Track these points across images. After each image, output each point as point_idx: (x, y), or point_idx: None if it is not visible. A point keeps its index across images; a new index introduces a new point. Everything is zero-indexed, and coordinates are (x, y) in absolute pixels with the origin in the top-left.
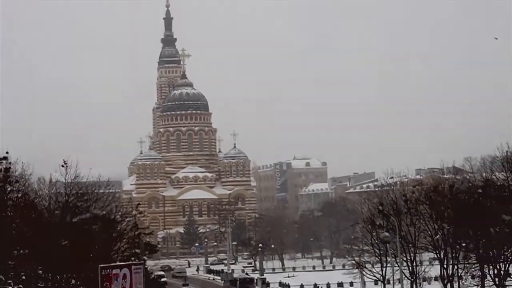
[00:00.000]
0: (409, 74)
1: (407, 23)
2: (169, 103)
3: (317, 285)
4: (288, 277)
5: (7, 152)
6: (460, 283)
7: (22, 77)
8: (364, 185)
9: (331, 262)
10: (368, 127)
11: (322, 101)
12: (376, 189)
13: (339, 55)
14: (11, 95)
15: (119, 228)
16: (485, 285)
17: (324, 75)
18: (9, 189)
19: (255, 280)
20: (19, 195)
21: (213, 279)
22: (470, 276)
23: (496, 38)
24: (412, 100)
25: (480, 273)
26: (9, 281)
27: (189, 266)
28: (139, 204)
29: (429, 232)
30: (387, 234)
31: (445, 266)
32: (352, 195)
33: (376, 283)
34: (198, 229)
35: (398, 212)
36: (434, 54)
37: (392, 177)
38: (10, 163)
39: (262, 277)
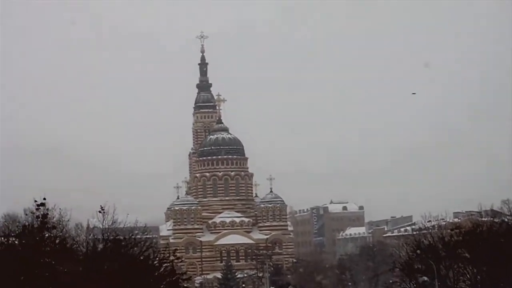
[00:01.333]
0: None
1: None
2: (205, 148)
3: None
4: None
5: (44, 199)
6: None
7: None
8: (402, 229)
9: None
10: (405, 170)
11: (358, 145)
12: (414, 232)
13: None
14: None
15: (157, 273)
16: None
17: (358, 118)
18: (46, 235)
19: None
20: (57, 241)
21: None
22: None
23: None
24: (449, 143)
25: None
26: None
27: None
28: (176, 249)
29: (468, 276)
30: (425, 278)
31: None
32: (390, 239)
33: None
34: (236, 274)
35: (436, 256)
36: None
37: (430, 221)
38: (47, 209)
39: None
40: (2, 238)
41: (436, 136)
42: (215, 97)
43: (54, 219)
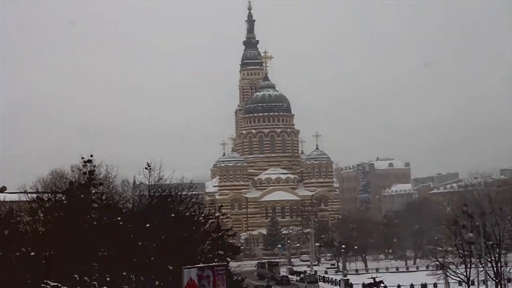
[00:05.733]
0: (492, 73)
1: None
2: (251, 105)
3: (400, 286)
4: (372, 278)
5: (91, 155)
6: None
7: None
8: (448, 186)
9: (414, 263)
10: (452, 127)
11: (404, 103)
12: (460, 189)
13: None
14: (98, 98)
15: (202, 229)
16: None
17: (402, 76)
18: (93, 191)
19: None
20: (104, 197)
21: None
22: None
23: None
24: (496, 99)
25: None
26: (93, 283)
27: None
28: (222, 205)
29: None
30: (471, 234)
31: None
32: (436, 196)
33: (460, 284)
34: (281, 230)
35: (482, 213)
36: None
37: (476, 178)
38: (94, 166)
39: (345, 278)
40: (49, 194)
41: (483, 92)
42: (262, 54)
43: (101, 175)
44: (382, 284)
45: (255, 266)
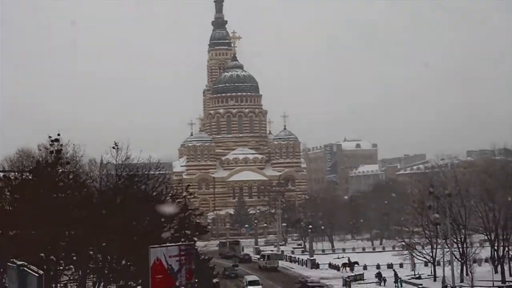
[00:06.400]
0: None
1: None
2: (219, 85)
3: (367, 266)
4: (338, 258)
5: (58, 134)
6: (511, 264)
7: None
8: (415, 167)
9: (381, 244)
10: (418, 109)
11: (372, 83)
12: (427, 170)
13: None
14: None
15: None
16: None
17: (376, 57)
18: (60, 170)
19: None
20: (71, 176)
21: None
22: None
23: None
24: (462, 80)
25: None
26: (60, 261)
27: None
28: (189, 185)
29: (480, 214)
30: (437, 215)
31: (496, 247)
32: (403, 177)
33: (426, 265)
34: (248, 210)
35: (448, 194)
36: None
37: (443, 159)
38: (61, 145)
39: (312, 258)
40: (16, 173)
41: (447, 73)
42: (230, 34)
43: (68, 154)
44: (356, 265)
45: (217, 246)
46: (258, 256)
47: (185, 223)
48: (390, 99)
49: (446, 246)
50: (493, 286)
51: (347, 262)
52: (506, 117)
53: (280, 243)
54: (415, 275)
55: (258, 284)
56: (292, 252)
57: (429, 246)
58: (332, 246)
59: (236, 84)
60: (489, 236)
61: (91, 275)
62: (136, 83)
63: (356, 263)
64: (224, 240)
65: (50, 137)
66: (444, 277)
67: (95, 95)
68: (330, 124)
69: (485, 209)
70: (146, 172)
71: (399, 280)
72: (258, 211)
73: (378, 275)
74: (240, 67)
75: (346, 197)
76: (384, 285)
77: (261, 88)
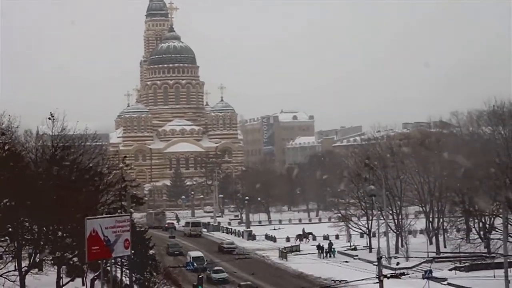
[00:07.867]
0: (394, 27)
1: None
2: (156, 56)
3: (303, 238)
4: (274, 229)
5: None
6: (445, 236)
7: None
8: (351, 139)
9: (317, 215)
10: (355, 81)
11: (310, 55)
12: (363, 142)
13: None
14: None
15: (105, 180)
16: (470, 238)
17: (314, 28)
18: None
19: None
20: (6, 147)
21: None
22: (455, 230)
23: None
24: (399, 54)
25: (465, 226)
26: None
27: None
28: (125, 157)
29: (415, 186)
30: (373, 187)
31: (430, 219)
32: (339, 149)
33: (362, 236)
34: (185, 182)
35: (384, 166)
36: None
37: (379, 131)
38: None
39: (248, 229)
40: None
41: (390, 47)
42: (168, 5)
43: (3, 125)
44: (310, 235)
45: (144, 217)
46: (183, 224)
47: (121, 194)
48: (326, 71)
49: (382, 218)
50: (428, 257)
51: (302, 233)
52: (443, 90)
53: (217, 215)
54: (350, 246)
55: (222, 272)
56: (229, 224)
57: (365, 218)
58: (269, 217)
59: (173, 55)
60: (424, 208)
61: (27, 247)
62: (74, 53)
63: (311, 233)
64: (151, 211)
65: None
66: (379, 248)
67: (35, 70)
68: (267, 96)
69: (420, 181)
70: (82, 143)
71: (332, 249)
72: (195, 182)
73: (319, 247)
74: (177, 38)
75: (283, 168)
76: (325, 256)
77: (198, 59)
